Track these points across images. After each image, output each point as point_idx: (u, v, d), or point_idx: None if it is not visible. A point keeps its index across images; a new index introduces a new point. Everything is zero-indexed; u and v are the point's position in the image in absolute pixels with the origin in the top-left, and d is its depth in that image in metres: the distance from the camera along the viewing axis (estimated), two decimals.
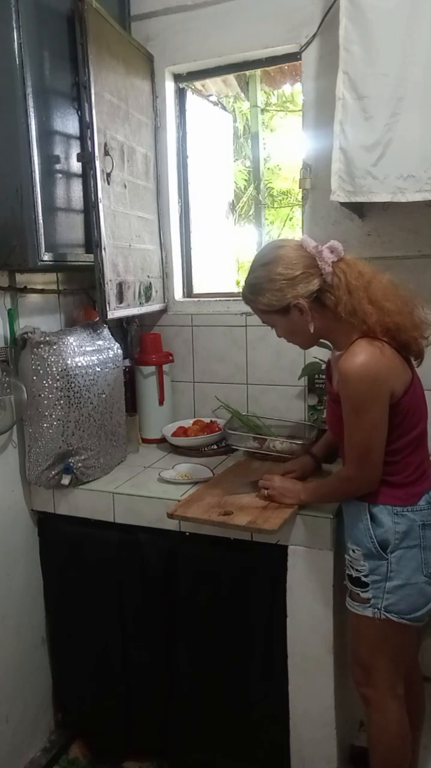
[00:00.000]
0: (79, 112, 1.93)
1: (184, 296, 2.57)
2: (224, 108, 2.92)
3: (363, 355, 1.42)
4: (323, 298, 1.47)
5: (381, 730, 1.58)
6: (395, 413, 1.45)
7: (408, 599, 1.49)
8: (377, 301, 1.45)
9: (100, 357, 2.04)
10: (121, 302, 2.10)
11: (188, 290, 2.60)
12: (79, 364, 1.93)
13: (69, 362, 1.89)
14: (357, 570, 1.54)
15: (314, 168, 2.15)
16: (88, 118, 1.90)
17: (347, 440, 1.50)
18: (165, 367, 2.40)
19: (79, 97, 1.92)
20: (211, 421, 2.36)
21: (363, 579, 1.52)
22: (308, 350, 2.20)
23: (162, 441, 2.36)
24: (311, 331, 1.50)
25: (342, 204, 1.92)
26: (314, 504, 1.68)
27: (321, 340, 2.10)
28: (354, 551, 1.54)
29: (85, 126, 1.92)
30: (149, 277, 2.33)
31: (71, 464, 1.93)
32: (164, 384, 2.39)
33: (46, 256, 1.79)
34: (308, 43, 2.10)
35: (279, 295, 1.47)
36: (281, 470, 1.84)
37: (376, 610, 1.50)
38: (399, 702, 1.57)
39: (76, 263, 1.95)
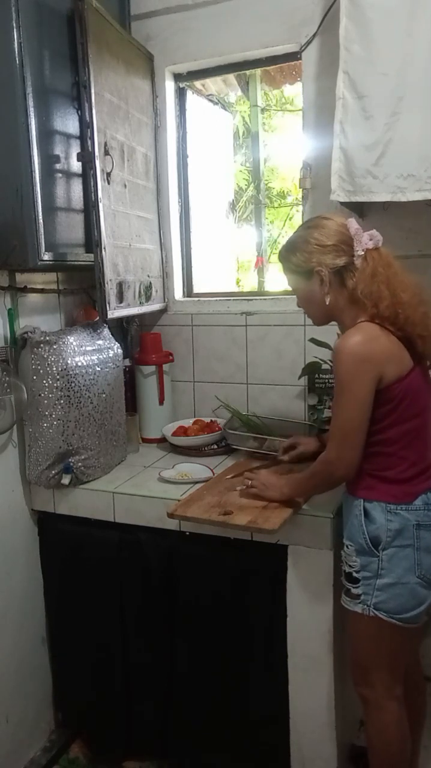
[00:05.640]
0: (79, 112, 1.94)
1: (184, 296, 2.57)
2: (224, 107, 2.92)
3: (359, 336, 1.46)
4: (345, 276, 1.53)
5: (379, 731, 1.58)
6: (384, 400, 1.45)
7: (398, 599, 1.49)
8: (394, 290, 1.48)
9: (101, 357, 2.04)
10: (121, 302, 2.10)
11: (188, 290, 2.60)
12: (80, 364, 1.93)
13: (69, 362, 1.89)
14: (349, 566, 1.54)
15: (314, 167, 2.15)
16: (88, 118, 1.90)
17: (332, 422, 1.52)
18: (165, 367, 2.40)
19: (79, 97, 1.92)
20: (211, 420, 2.36)
21: (355, 575, 1.52)
22: (307, 351, 2.22)
23: (162, 441, 2.36)
24: (327, 304, 1.55)
25: (342, 203, 1.92)
26: (297, 496, 1.67)
27: (320, 340, 2.11)
28: (347, 547, 1.55)
29: (85, 125, 1.92)
30: (149, 276, 2.33)
31: (71, 464, 1.93)
32: (164, 384, 2.39)
33: (46, 256, 1.79)
34: (308, 43, 2.10)
35: (307, 257, 1.54)
36: (287, 444, 1.96)
37: (365, 606, 1.51)
38: (398, 702, 1.57)
39: (76, 263, 1.95)
